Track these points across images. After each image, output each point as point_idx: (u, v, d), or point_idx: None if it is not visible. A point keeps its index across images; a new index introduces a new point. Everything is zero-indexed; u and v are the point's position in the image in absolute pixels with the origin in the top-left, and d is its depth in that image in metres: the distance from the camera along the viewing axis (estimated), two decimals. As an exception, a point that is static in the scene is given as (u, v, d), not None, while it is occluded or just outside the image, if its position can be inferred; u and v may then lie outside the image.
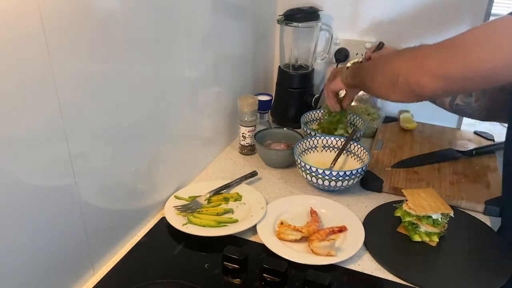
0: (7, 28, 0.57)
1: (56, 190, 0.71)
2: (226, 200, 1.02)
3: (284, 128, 1.28)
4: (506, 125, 0.93)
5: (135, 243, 0.90)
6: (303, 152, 1.15)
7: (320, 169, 1.02)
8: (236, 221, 0.95)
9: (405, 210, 0.92)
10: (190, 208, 0.98)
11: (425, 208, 0.89)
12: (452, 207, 0.91)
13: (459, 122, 1.40)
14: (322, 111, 1.29)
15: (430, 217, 0.90)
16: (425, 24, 1.30)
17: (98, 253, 0.83)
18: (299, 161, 1.06)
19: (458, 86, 0.76)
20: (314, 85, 1.43)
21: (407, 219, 0.92)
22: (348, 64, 1.19)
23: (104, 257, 0.85)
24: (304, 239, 0.90)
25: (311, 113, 1.30)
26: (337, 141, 1.16)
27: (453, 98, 1.15)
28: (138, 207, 0.94)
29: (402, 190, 0.95)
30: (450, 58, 0.72)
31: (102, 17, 0.73)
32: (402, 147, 1.26)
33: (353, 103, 1.42)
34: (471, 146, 1.26)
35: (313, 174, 1.03)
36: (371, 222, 0.97)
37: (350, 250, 0.87)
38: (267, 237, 0.90)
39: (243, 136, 1.23)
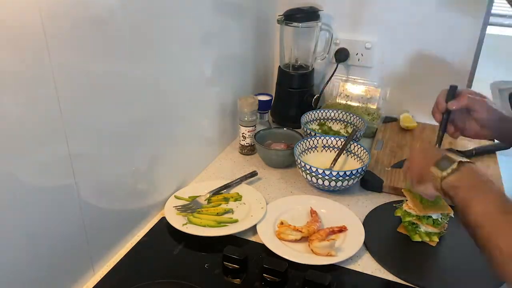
0: (7, 28, 0.57)
1: (56, 190, 0.71)
2: (226, 200, 1.02)
3: (284, 128, 1.28)
4: None
5: (135, 243, 0.90)
6: (303, 152, 1.15)
7: (320, 169, 1.02)
8: (236, 221, 0.95)
9: (405, 210, 0.92)
10: (190, 208, 0.98)
11: (425, 208, 0.89)
12: (452, 207, 0.91)
13: (459, 122, 1.40)
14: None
15: (430, 217, 0.90)
16: (425, 24, 1.30)
17: (98, 253, 0.83)
18: (299, 161, 1.06)
19: None
20: (314, 85, 1.43)
21: (407, 219, 0.92)
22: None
23: (104, 257, 0.85)
24: (304, 239, 0.90)
25: (311, 113, 1.30)
26: (337, 141, 1.16)
27: None
28: (138, 207, 0.94)
29: (402, 190, 0.95)
30: None
31: (102, 17, 0.73)
32: (402, 147, 1.26)
33: (353, 103, 1.43)
34: (471, 146, 1.25)
35: (313, 174, 1.03)
36: (371, 222, 0.96)
37: (350, 250, 0.87)
38: (267, 237, 0.90)
39: (243, 136, 1.23)
